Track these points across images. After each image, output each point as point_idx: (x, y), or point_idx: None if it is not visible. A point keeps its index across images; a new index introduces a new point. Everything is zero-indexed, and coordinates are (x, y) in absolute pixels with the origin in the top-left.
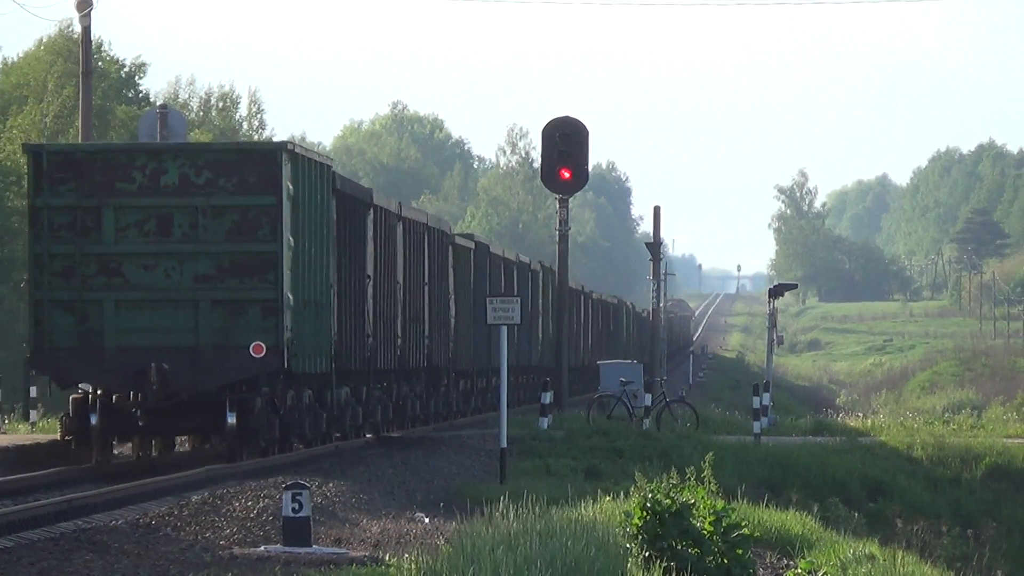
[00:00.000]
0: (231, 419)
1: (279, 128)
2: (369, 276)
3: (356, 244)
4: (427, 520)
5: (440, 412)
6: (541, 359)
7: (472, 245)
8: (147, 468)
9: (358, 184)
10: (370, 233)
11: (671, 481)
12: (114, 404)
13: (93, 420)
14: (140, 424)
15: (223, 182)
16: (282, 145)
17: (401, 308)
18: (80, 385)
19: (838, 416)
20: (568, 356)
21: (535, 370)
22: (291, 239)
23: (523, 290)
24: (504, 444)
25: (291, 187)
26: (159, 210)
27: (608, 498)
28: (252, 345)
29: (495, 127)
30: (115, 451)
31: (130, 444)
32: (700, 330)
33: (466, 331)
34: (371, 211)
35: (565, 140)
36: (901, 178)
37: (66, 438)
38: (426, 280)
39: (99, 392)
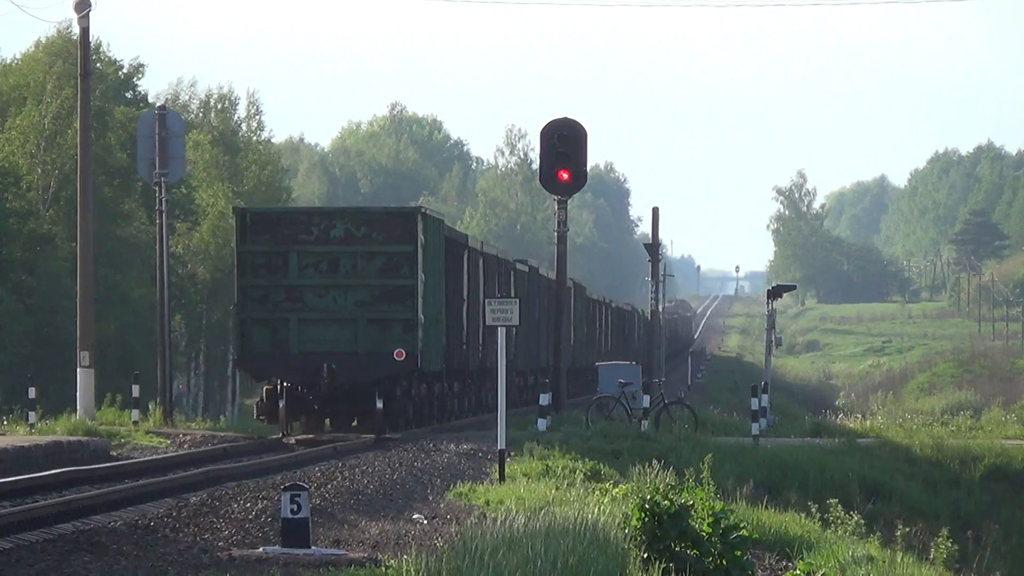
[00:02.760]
0: (379, 404)
1: (278, 129)
2: (464, 299)
3: (456, 276)
4: (425, 521)
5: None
6: (573, 362)
7: (526, 269)
8: (316, 441)
9: (459, 231)
10: (465, 267)
11: (668, 482)
12: (295, 393)
13: (281, 404)
14: (315, 407)
15: (375, 235)
16: (418, 209)
17: (482, 322)
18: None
19: (837, 417)
20: (590, 358)
21: (567, 371)
22: (423, 275)
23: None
24: (502, 445)
25: (423, 238)
26: (330, 255)
27: (609, 485)
28: (395, 351)
29: (494, 128)
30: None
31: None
32: (699, 331)
33: (524, 338)
34: (465, 251)
35: (563, 141)
36: (900, 179)
37: (260, 418)
38: None
39: (285, 384)
